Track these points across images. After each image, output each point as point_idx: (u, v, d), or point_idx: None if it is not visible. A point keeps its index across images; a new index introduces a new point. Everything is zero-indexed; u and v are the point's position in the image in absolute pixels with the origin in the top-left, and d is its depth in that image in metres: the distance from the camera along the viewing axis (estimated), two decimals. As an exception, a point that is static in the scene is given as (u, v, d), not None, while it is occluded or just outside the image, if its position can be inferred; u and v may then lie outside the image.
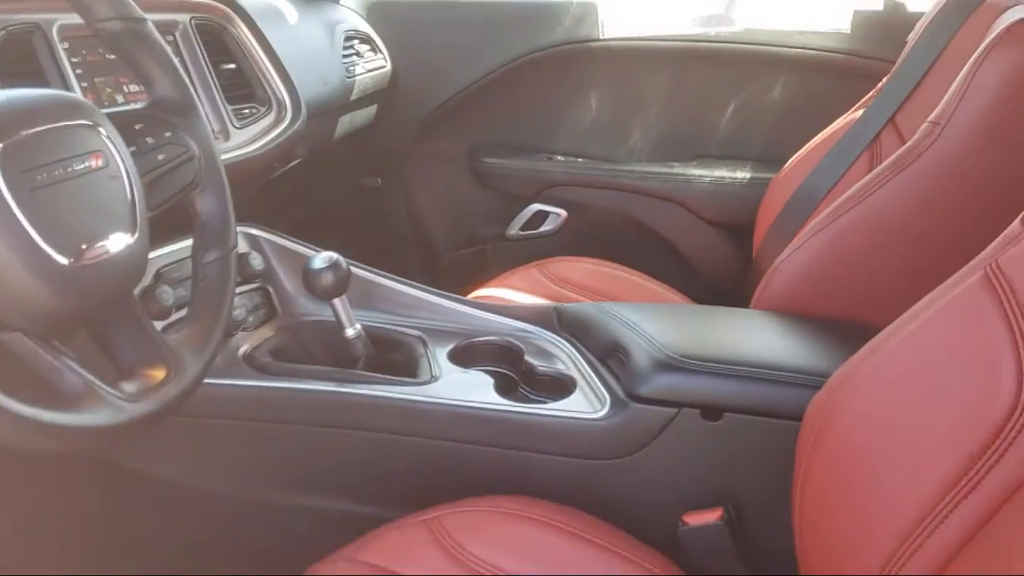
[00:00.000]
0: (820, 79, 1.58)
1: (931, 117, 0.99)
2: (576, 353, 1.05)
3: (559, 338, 1.08)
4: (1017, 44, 0.94)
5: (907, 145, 1.00)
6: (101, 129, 0.68)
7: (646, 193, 1.65)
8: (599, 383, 0.97)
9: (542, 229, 1.73)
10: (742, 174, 1.59)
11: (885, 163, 1.01)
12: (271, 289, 1.14)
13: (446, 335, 1.10)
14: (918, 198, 0.98)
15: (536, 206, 1.72)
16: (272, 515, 1.02)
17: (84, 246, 0.64)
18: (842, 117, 1.30)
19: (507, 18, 1.72)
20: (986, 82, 0.94)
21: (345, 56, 1.57)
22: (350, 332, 1.04)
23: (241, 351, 1.04)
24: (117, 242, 0.67)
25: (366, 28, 1.71)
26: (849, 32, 1.55)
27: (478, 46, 1.71)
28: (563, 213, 1.71)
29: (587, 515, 0.88)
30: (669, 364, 0.90)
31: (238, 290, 1.06)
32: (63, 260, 0.62)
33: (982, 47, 0.97)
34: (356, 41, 1.65)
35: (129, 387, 0.69)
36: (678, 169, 1.64)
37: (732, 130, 1.66)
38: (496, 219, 1.76)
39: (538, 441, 0.94)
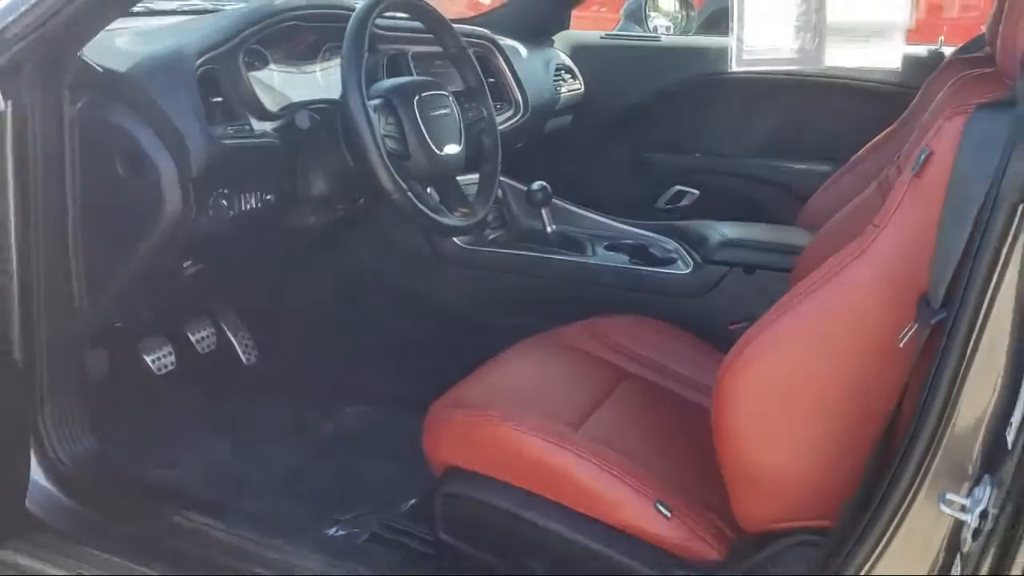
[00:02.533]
0: (877, 104, 2.21)
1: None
2: (680, 246, 1.79)
3: (669, 238, 1.83)
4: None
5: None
6: (448, 97, 1.51)
7: (757, 179, 2.35)
8: (688, 257, 1.71)
9: (681, 204, 2.46)
10: (823, 167, 2.25)
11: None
12: (506, 208, 1.95)
13: (605, 237, 1.87)
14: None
15: (677, 187, 2.45)
16: (504, 332, 1.76)
17: (442, 147, 1.46)
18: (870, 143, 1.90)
19: (665, 55, 2.49)
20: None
21: (554, 80, 2.39)
22: (549, 229, 1.83)
23: (491, 237, 1.85)
24: (453, 148, 1.49)
25: (569, 62, 2.52)
26: (900, 70, 2.18)
27: (643, 75, 2.48)
28: (696, 192, 2.44)
29: (680, 328, 1.60)
30: (726, 243, 1.63)
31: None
32: (438, 152, 1.44)
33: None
34: (562, 71, 2.46)
35: (456, 216, 1.51)
36: (779, 163, 2.34)
37: (817, 137, 2.33)
38: (648, 195, 2.51)
39: (653, 286, 1.69)
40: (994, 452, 0.81)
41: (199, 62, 1.38)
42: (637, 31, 2.67)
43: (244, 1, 1.76)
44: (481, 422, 1.29)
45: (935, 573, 0.86)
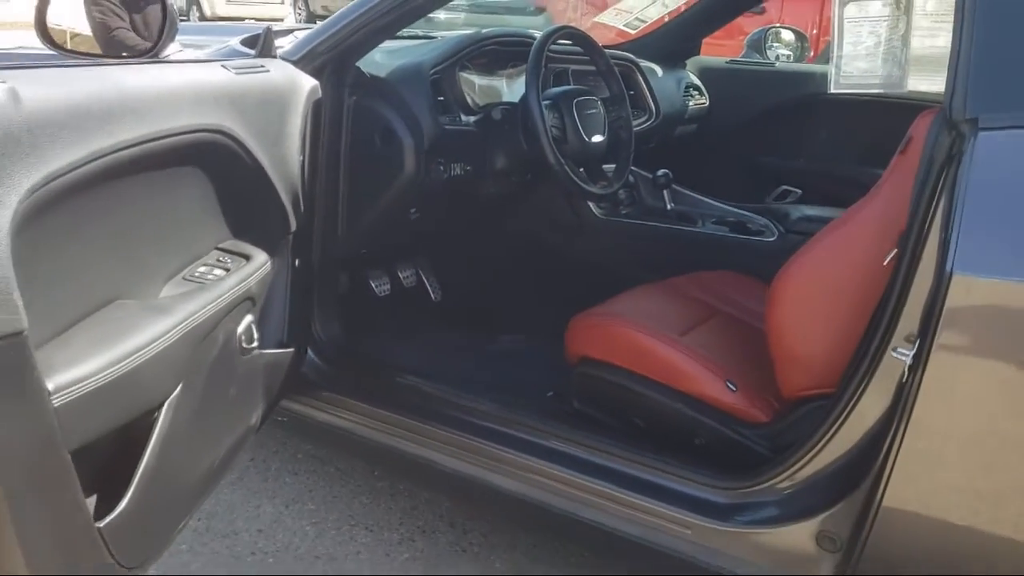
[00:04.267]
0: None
1: None
2: (769, 222, 2.31)
3: (762, 216, 2.35)
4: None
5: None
6: (597, 101, 2.09)
7: (847, 181, 2.82)
8: (775, 229, 2.23)
9: (785, 201, 2.95)
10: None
11: None
12: (636, 191, 2.51)
13: (712, 215, 2.41)
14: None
15: (783, 187, 2.95)
16: (629, 283, 2.31)
17: (591, 136, 2.04)
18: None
19: (777, 78, 3.00)
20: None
21: (684, 95, 2.94)
22: (669, 206, 2.39)
23: (623, 211, 2.42)
24: (598, 137, 2.07)
25: (697, 81, 3.06)
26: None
27: (759, 94, 3.00)
28: (799, 191, 2.92)
29: (763, 282, 2.12)
30: (803, 219, 2.14)
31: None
32: (587, 140, 2.03)
33: None
34: (691, 88, 3.01)
35: (597, 187, 2.09)
36: (866, 168, 2.79)
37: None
38: (758, 192, 3.01)
39: (745, 250, 2.22)
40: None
41: (431, 72, 2.02)
42: (756, 58, 3.20)
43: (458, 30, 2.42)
44: (608, 323, 1.86)
45: (890, 403, 1.36)
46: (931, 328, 1.23)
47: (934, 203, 1.29)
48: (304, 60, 1.80)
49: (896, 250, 1.40)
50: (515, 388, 2.02)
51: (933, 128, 1.34)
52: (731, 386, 1.70)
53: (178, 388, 1.36)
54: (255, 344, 1.61)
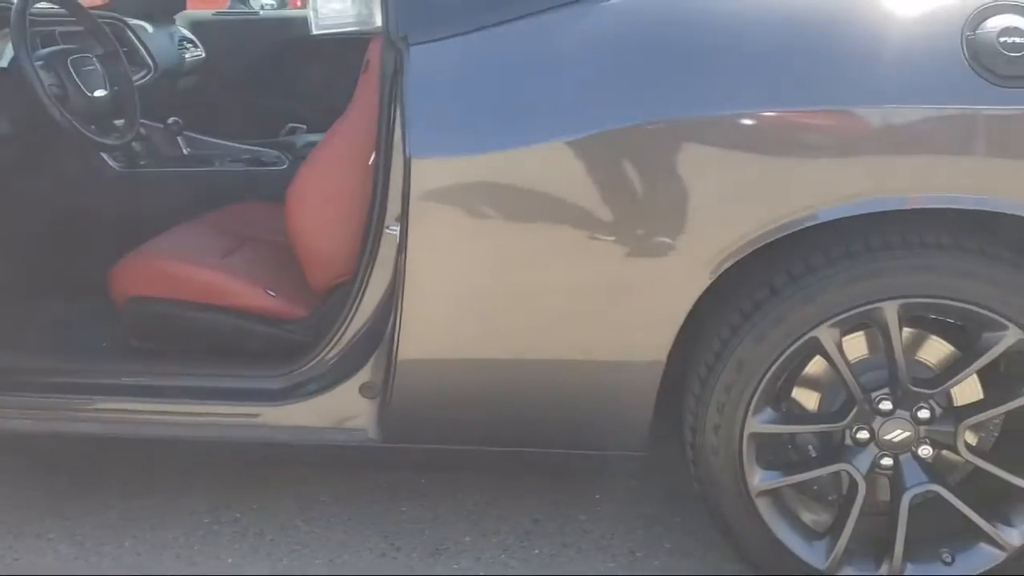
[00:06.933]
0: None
1: None
2: (280, 154, 2.58)
3: (273, 150, 2.62)
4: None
5: None
6: (92, 58, 2.17)
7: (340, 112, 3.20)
8: (285, 159, 2.51)
9: (295, 135, 3.24)
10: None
11: None
12: (150, 143, 2.62)
13: (229, 155, 2.61)
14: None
15: (290, 124, 3.23)
16: (159, 229, 2.47)
17: (93, 91, 2.13)
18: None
19: (263, 26, 3.26)
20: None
21: (179, 48, 3.06)
22: (185, 151, 2.54)
23: (141, 163, 2.52)
24: (101, 92, 2.16)
25: (190, 35, 3.19)
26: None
27: (247, 43, 3.22)
28: (304, 126, 3.23)
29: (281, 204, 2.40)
30: (308, 144, 2.44)
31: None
32: (89, 95, 2.11)
33: None
34: (184, 41, 3.13)
35: (110, 138, 2.18)
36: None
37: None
38: (270, 131, 3.26)
39: (262, 183, 2.47)
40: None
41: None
42: (242, 8, 3.42)
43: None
44: (148, 260, 2.02)
45: (392, 272, 1.71)
46: (407, 205, 1.60)
47: (391, 108, 1.64)
48: None
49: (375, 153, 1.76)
50: (73, 349, 2.09)
51: (381, 49, 1.69)
52: (270, 293, 1.97)
53: None
54: None
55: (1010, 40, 1.43)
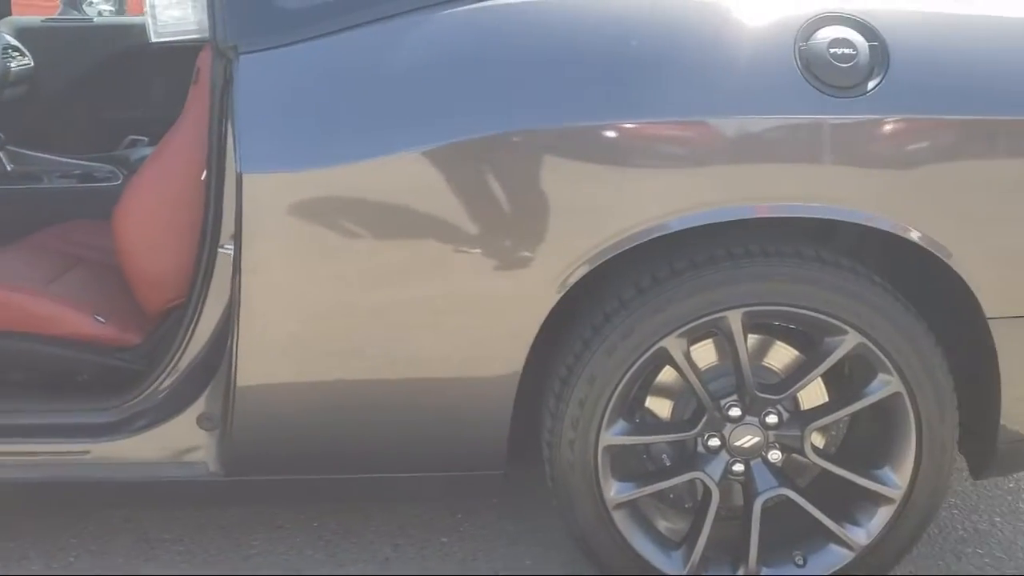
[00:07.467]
0: None
1: None
2: (114, 168, 2.42)
3: (108, 164, 2.46)
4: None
5: None
6: None
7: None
8: (119, 174, 2.36)
9: (135, 148, 3.07)
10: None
11: None
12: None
13: (59, 170, 2.44)
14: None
15: (131, 136, 3.05)
16: None
17: None
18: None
19: (99, 33, 3.07)
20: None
21: (3, 58, 2.83)
22: (9, 168, 2.35)
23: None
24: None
25: (16, 42, 2.96)
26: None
27: (82, 51, 3.03)
28: (146, 139, 3.05)
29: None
30: (143, 158, 2.31)
31: None
32: None
33: None
34: (10, 49, 2.91)
35: None
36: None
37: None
38: (109, 145, 3.07)
39: (93, 201, 2.31)
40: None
41: None
42: (75, 15, 3.21)
43: None
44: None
45: (228, 295, 1.61)
46: (240, 223, 1.51)
47: (222, 121, 1.55)
48: None
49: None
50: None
51: (211, 58, 1.60)
52: (99, 319, 1.83)
53: None
54: None
55: (840, 51, 1.46)
